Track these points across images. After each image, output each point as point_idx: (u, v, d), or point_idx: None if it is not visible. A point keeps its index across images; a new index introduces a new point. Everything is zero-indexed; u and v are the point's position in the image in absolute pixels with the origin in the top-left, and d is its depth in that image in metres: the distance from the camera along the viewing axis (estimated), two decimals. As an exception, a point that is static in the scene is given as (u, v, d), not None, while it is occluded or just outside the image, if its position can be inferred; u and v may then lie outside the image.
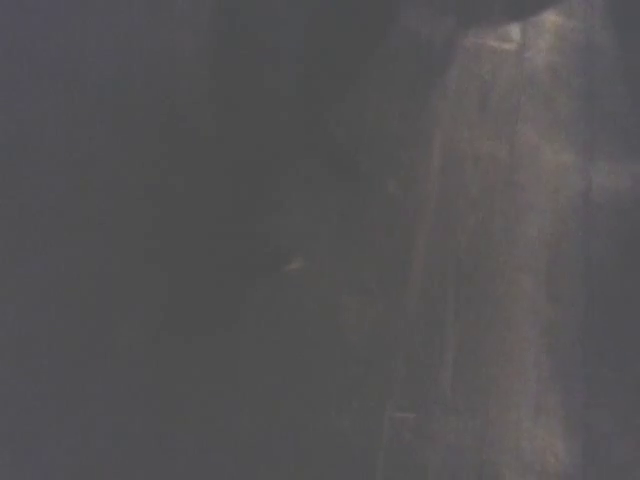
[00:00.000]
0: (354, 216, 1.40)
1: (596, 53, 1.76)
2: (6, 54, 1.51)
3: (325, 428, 1.16)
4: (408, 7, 1.79)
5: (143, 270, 1.27)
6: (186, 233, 1.32)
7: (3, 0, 1.58)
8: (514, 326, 1.30)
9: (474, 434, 1.18)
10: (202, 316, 1.25)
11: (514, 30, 1.77)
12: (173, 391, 1.16)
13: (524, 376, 1.25)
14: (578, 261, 1.39)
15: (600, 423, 1.22)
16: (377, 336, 1.26)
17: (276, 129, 1.46)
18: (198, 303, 1.26)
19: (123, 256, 1.28)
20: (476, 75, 1.67)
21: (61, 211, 1.32)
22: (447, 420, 1.18)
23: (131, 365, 1.17)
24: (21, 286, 1.23)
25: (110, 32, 1.56)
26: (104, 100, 1.46)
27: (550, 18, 1.82)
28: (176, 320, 1.23)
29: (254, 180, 1.40)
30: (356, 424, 1.16)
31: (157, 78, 1.52)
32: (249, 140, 1.38)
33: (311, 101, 1.52)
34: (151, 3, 1.63)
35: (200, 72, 1.47)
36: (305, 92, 1.49)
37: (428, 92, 1.64)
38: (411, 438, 1.17)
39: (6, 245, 1.28)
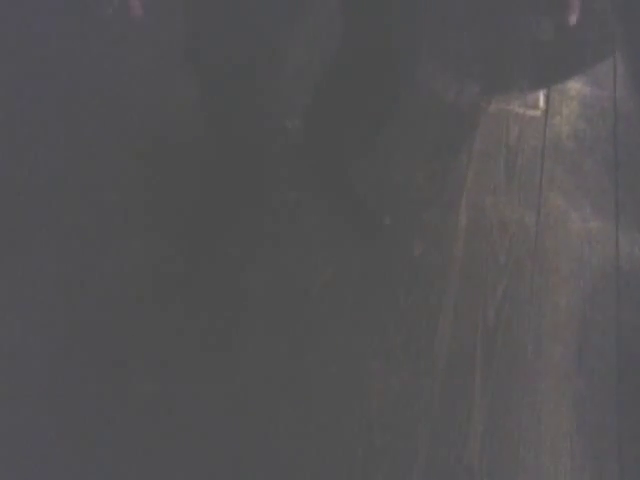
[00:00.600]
0: (378, 277, 1.39)
1: (621, 121, 1.76)
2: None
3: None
4: (435, 72, 1.82)
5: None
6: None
7: None
8: (544, 399, 1.26)
9: (503, 512, 1.13)
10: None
11: (539, 97, 1.79)
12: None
13: (555, 453, 1.20)
14: (609, 331, 1.35)
15: (635, 504, 1.17)
16: (402, 403, 1.22)
17: (298, 185, 1.48)
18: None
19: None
20: (502, 140, 1.68)
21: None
22: (476, 497, 1.14)
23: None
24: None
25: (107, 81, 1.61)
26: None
27: (575, 86, 1.84)
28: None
29: (275, 234, 1.41)
30: (382, 496, 1.12)
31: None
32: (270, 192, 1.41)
33: (336, 159, 1.53)
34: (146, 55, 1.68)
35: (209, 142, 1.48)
36: (331, 150, 1.50)
37: (454, 156, 1.64)
38: (437, 513, 1.12)
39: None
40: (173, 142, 1.56)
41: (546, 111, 1.75)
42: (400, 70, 1.13)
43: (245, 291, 1.36)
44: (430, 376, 1.27)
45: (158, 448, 1.14)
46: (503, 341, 1.32)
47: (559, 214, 1.54)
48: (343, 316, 1.33)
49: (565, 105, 1.80)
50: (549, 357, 1.31)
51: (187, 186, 1.48)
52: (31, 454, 1.13)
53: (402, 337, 1.31)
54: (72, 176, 1.51)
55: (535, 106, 1.77)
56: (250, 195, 1.47)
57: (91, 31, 1.78)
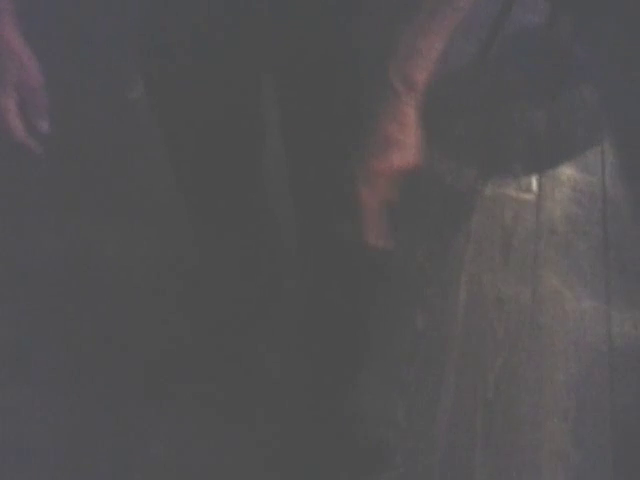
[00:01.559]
0: (383, 351, 1.46)
1: (610, 205, 1.88)
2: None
3: None
4: (433, 159, 1.95)
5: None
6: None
7: None
8: (542, 471, 1.31)
9: None
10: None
11: (532, 182, 1.91)
12: None
13: (554, 524, 1.24)
14: (603, 405, 1.41)
15: None
16: (407, 472, 1.27)
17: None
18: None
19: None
20: (498, 222, 1.78)
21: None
22: None
23: None
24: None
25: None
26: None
27: (566, 172, 1.97)
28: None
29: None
30: None
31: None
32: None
33: None
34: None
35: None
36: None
37: (453, 236, 1.74)
38: None
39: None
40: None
41: (539, 195, 1.87)
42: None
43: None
44: (432, 446, 1.31)
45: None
46: (502, 415, 1.38)
47: (553, 292, 1.62)
48: (356, 381, 1.39)
49: (557, 189, 1.91)
50: (547, 431, 1.36)
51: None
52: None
53: (405, 408, 1.37)
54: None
55: (529, 190, 1.88)
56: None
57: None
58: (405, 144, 0.73)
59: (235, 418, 1.30)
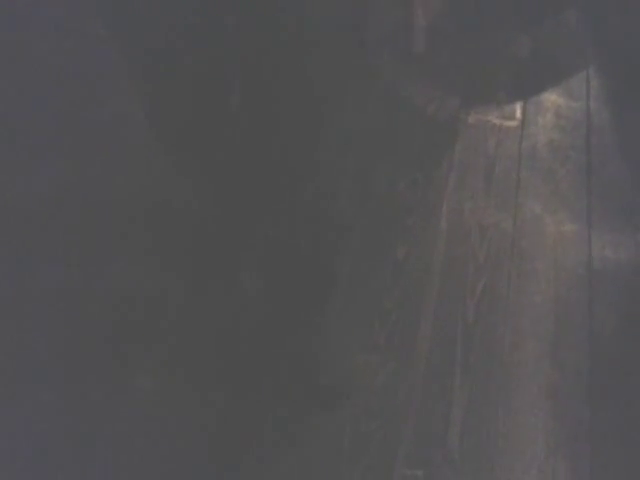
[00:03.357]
0: (364, 279, 1.47)
1: (594, 131, 1.86)
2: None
3: (336, 486, 1.18)
4: (416, 87, 1.91)
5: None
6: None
7: None
8: (520, 390, 1.34)
9: (482, 496, 1.20)
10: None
11: (516, 109, 1.88)
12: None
13: (531, 439, 1.27)
14: (581, 327, 1.43)
15: (607, 487, 1.24)
16: (387, 394, 1.30)
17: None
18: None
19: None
20: (480, 150, 1.77)
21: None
22: (455, 479, 1.20)
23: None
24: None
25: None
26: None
27: (550, 98, 1.94)
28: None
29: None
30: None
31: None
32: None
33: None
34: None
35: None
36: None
37: (435, 164, 1.73)
38: (420, 498, 1.19)
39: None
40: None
41: (522, 122, 1.85)
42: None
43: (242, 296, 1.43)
44: (413, 368, 1.34)
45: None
46: (481, 336, 1.40)
47: (534, 218, 1.63)
48: (331, 314, 1.40)
49: (540, 116, 1.89)
50: (525, 351, 1.39)
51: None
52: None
53: (386, 333, 1.38)
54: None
55: (512, 117, 1.86)
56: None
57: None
58: None
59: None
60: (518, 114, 1.87)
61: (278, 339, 1.34)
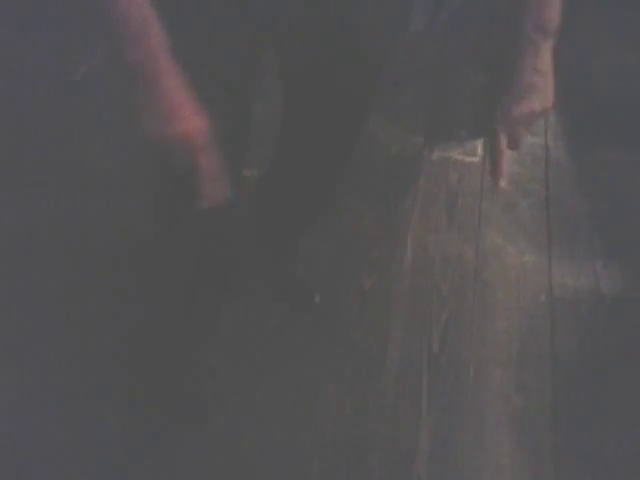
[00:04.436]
0: (331, 310, 1.49)
1: (551, 165, 1.94)
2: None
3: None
4: (381, 127, 1.98)
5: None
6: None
7: None
8: (486, 415, 1.36)
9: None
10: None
11: (477, 145, 1.96)
12: None
13: (497, 464, 1.29)
14: (543, 353, 1.47)
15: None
16: (354, 423, 1.31)
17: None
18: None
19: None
20: (443, 185, 1.83)
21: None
22: (422, 505, 1.21)
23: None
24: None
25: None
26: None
27: (509, 135, 2.02)
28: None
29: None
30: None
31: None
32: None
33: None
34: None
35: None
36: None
37: (399, 199, 1.78)
38: (389, 527, 1.19)
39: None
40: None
41: (483, 157, 1.91)
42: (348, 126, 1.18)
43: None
44: (380, 398, 1.36)
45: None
46: (447, 365, 1.43)
47: (496, 249, 1.68)
48: (298, 346, 1.42)
49: (501, 152, 1.96)
50: (489, 378, 1.41)
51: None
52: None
53: (354, 364, 1.40)
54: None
55: (473, 153, 1.93)
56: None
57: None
58: (545, 90, 0.80)
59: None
60: (479, 150, 1.94)
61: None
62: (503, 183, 0.85)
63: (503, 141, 0.83)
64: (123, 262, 1.47)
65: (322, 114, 1.05)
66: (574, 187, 1.87)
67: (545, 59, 0.79)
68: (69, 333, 1.37)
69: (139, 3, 0.68)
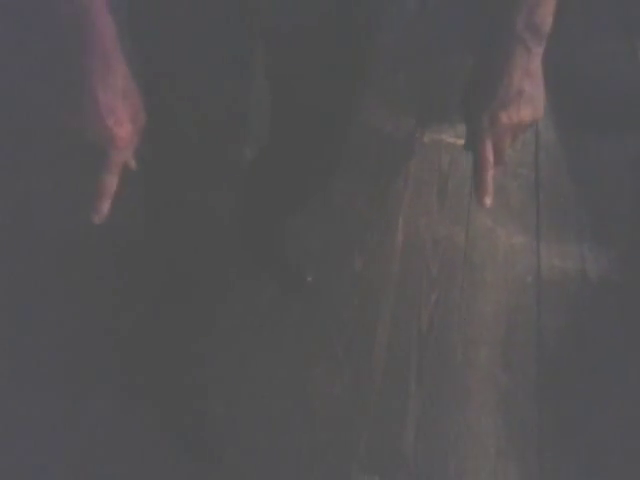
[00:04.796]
0: (323, 290, 1.52)
1: (541, 149, 1.95)
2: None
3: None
4: (373, 109, 1.99)
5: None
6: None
7: None
8: (472, 393, 1.39)
9: (436, 497, 1.25)
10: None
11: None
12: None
13: (482, 441, 1.33)
14: (530, 333, 1.50)
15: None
16: (344, 402, 1.34)
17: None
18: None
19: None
20: (434, 167, 1.85)
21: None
22: (409, 481, 1.25)
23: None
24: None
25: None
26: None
27: (501, 118, 2.03)
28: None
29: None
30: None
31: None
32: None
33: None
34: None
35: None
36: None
37: (391, 181, 1.80)
38: (376, 501, 1.22)
39: None
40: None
41: (474, 140, 1.93)
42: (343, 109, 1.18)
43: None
44: (370, 377, 1.39)
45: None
46: (435, 344, 1.46)
47: (486, 231, 1.70)
48: (290, 326, 1.45)
49: (492, 135, 1.98)
50: (476, 357, 1.45)
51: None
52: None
53: (344, 343, 1.43)
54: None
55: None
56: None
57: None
58: (535, 97, 0.73)
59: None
60: (470, 133, 1.95)
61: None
62: (488, 201, 0.76)
63: (489, 152, 0.76)
64: (113, 255, 1.47)
65: (313, 101, 1.04)
66: (563, 171, 1.89)
67: (536, 63, 0.72)
68: (65, 330, 1.38)
69: None
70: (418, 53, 2.19)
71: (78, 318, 1.38)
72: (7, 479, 1.18)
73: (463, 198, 1.77)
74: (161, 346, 1.26)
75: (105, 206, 0.72)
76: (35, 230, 1.53)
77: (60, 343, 1.35)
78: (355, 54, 0.99)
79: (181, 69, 0.84)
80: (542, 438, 1.34)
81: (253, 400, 1.33)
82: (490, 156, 0.76)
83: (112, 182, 0.72)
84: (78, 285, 1.43)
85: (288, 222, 1.48)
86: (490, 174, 0.77)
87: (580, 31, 2.26)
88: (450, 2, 2.36)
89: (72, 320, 1.38)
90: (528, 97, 0.72)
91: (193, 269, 1.10)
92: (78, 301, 1.41)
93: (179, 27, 0.81)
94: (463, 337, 1.48)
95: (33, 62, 1.62)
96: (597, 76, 2.18)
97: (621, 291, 1.60)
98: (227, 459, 1.24)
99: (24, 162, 1.66)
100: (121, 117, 0.70)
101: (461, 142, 1.97)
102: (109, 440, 1.23)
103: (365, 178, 1.81)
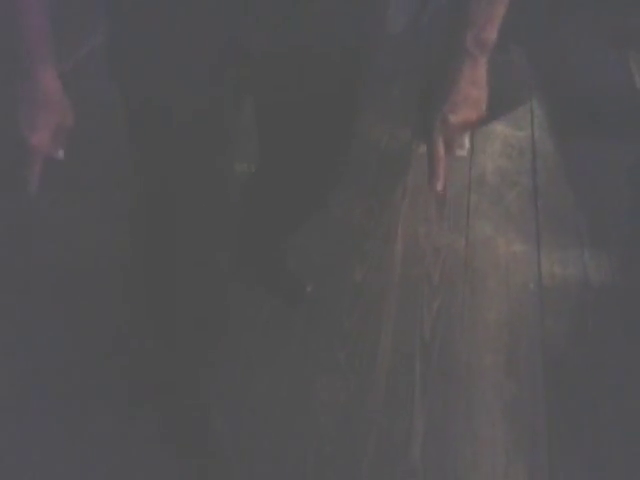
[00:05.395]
0: (325, 302, 1.51)
1: (538, 157, 1.96)
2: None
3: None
4: (369, 121, 1.99)
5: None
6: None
7: None
8: (478, 401, 1.38)
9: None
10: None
11: (465, 138, 1.97)
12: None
13: (491, 449, 1.31)
14: (534, 340, 1.49)
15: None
16: (349, 413, 1.32)
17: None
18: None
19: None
20: (432, 177, 1.84)
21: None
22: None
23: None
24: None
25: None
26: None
27: (497, 128, 2.05)
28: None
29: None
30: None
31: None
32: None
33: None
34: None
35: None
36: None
37: (390, 192, 1.80)
38: (384, 512, 1.20)
39: None
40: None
41: (471, 150, 1.94)
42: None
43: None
44: (374, 387, 1.37)
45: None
46: (439, 352, 1.44)
47: (485, 239, 1.70)
48: (291, 338, 1.44)
49: (489, 145, 1.99)
50: (481, 365, 1.43)
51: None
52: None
53: (347, 354, 1.42)
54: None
55: (461, 146, 1.94)
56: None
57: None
58: (479, 101, 0.85)
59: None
60: (467, 143, 1.95)
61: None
62: (439, 186, 0.90)
63: (440, 147, 0.88)
64: (111, 268, 1.46)
65: (307, 122, 1.04)
66: (561, 178, 1.90)
67: (482, 72, 0.83)
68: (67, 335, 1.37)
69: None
70: (412, 65, 2.20)
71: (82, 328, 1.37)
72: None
73: (461, 207, 1.77)
74: (163, 360, 1.25)
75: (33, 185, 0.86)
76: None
77: (60, 357, 1.33)
78: (351, 72, 0.98)
79: (166, 86, 0.86)
80: (551, 444, 1.32)
81: (256, 412, 1.31)
82: (441, 150, 0.88)
83: (35, 170, 0.86)
84: (80, 296, 1.42)
85: (288, 235, 1.48)
86: (441, 165, 0.90)
87: (574, 40, 2.29)
88: (441, 18, 2.38)
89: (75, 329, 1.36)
90: (473, 101, 0.85)
91: (192, 283, 1.09)
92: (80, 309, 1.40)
93: (163, 44, 0.83)
94: (467, 345, 1.46)
95: None
96: (591, 84, 2.20)
97: (623, 295, 1.59)
98: (231, 472, 1.21)
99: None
100: (36, 125, 0.83)
101: (458, 152, 1.97)
102: (109, 454, 1.21)
103: (363, 189, 1.81)
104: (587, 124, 2.08)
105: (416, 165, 1.89)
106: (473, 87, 0.84)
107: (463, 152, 1.95)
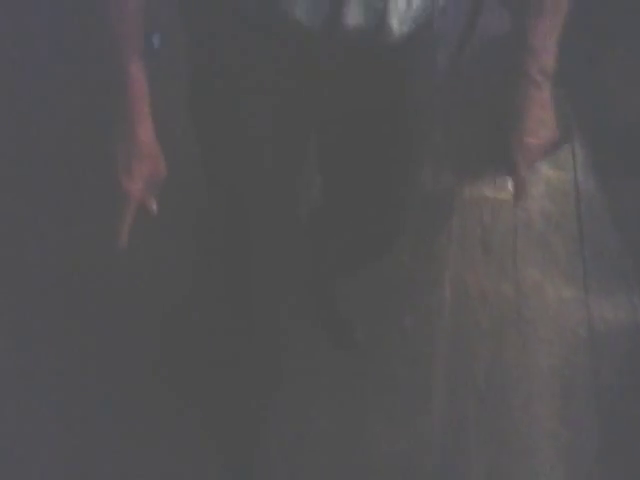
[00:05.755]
0: (376, 350, 1.53)
1: (582, 199, 1.97)
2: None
3: None
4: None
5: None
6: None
7: None
8: (533, 451, 1.38)
9: None
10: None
11: (508, 182, 2.00)
12: None
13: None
14: (587, 386, 1.49)
15: None
16: (404, 465, 1.33)
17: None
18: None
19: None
20: (477, 222, 1.87)
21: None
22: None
23: None
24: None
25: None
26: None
27: (540, 170, 2.06)
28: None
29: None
30: None
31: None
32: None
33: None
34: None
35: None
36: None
37: (435, 237, 1.83)
38: None
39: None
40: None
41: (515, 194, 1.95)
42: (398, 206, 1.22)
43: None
44: (428, 438, 1.38)
45: None
46: (493, 402, 1.45)
47: (534, 284, 1.70)
48: (347, 384, 1.46)
49: (531, 187, 2.00)
50: (535, 413, 1.44)
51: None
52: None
53: (400, 404, 1.43)
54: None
55: (504, 190, 1.97)
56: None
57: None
58: (550, 123, 0.93)
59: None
60: (510, 187, 1.98)
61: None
62: (520, 202, 1.02)
63: (524, 170, 0.96)
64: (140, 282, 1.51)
65: (370, 177, 1.11)
66: (606, 220, 1.90)
67: (547, 95, 0.92)
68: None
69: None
70: (453, 108, 2.24)
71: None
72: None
73: (508, 252, 1.79)
74: (217, 406, 1.28)
75: (124, 237, 0.88)
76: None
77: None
78: (415, 121, 1.04)
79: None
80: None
81: (307, 456, 1.33)
82: (524, 172, 0.97)
83: (128, 221, 0.89)
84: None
85: (340, 282, 1.51)
86: (525, 184, 0.98)
87: (615, 80, 2.30)
88: (483, 56, 2.42)
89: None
90: (546, 123, 0.93)
91: (247, 322, 1.14)
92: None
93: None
94: (520, 393, 1.47)
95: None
96: (634, 123, 2.20)
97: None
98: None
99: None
100: (134, 176, 0.87)
101: (501, 196, 1.98)
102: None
103: (410, 235, 1.83)
104: (630, 164, 2.09)
105: (460, 210, 1.91)
106: (543, 110, 0.92)
107: (507, 195, 1.96)
